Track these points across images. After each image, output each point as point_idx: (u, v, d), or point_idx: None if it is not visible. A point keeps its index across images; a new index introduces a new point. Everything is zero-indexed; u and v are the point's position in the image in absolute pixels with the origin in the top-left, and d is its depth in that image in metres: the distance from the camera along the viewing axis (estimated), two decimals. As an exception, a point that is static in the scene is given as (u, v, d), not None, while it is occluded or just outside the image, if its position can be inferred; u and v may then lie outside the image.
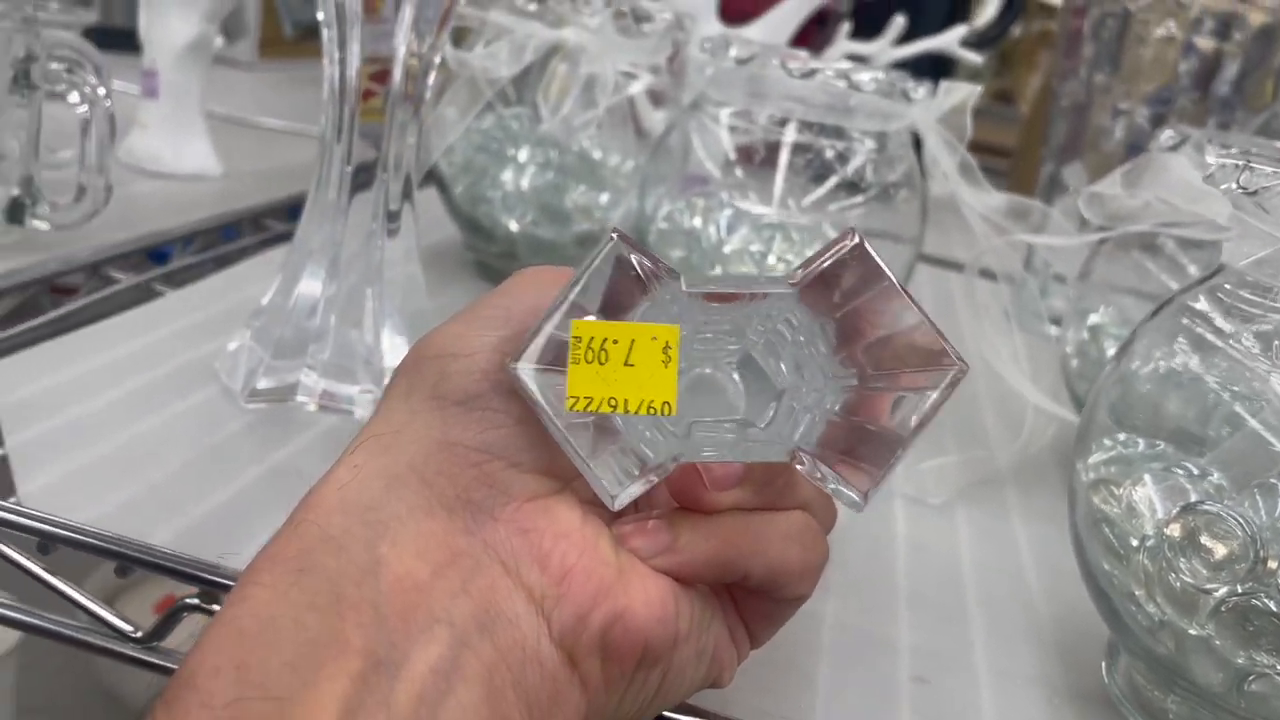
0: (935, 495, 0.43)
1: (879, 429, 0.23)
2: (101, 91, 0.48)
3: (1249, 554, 0.25)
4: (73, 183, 0.50)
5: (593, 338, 0.21)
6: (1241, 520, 0.25)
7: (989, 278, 0.50)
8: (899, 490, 0.43)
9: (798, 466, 0.23)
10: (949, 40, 0.70)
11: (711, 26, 0.66)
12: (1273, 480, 0.27)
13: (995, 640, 0.34)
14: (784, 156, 0.48)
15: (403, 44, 0.38)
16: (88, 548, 0.30)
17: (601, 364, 0.21)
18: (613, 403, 0.21)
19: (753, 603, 0.25)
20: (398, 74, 0.38)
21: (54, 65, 0.48)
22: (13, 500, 0.31)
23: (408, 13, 0.37)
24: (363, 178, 0.40)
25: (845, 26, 0.69)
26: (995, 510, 0.43)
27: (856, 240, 0.22)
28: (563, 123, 0.52)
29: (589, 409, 0.21)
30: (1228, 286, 0.28)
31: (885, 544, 0.39)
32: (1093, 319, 0.49)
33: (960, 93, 0.49)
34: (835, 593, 0.35)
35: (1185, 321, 0.29)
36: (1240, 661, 0.26)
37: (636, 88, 0.56)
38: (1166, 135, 0.44)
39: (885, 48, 0.69)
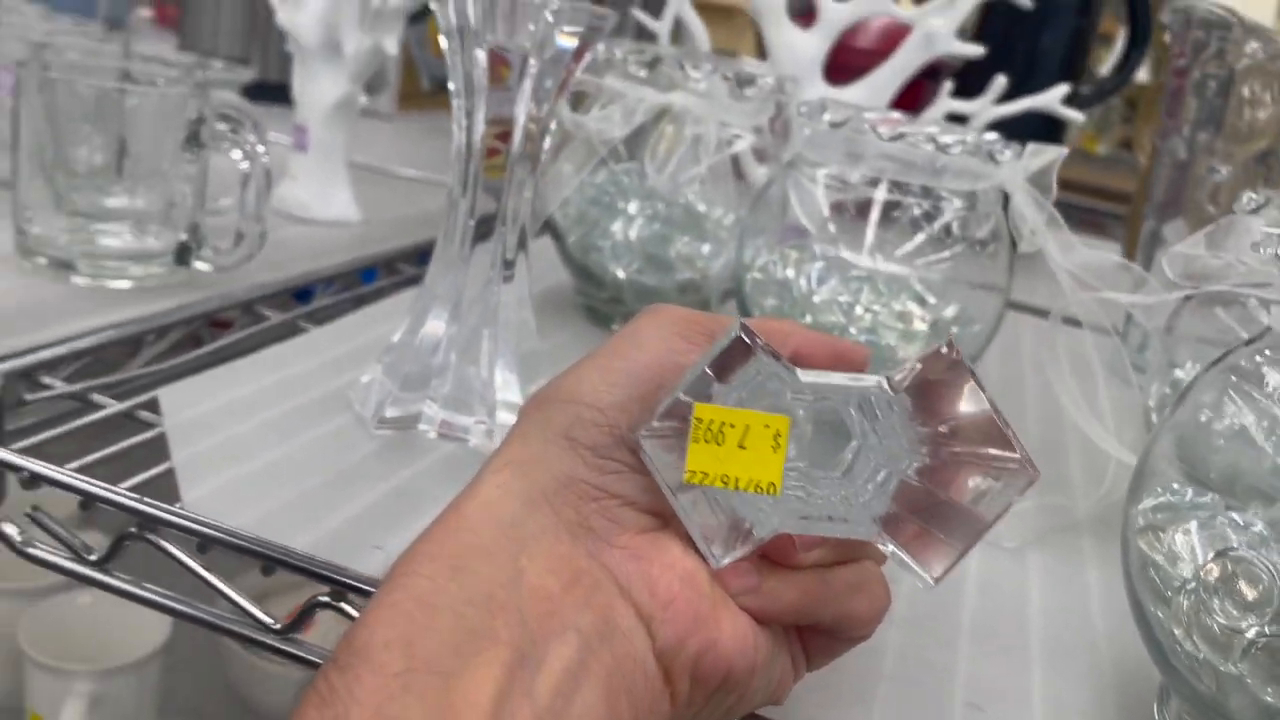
0: (1010, 539, 0.45)
1: (956, 507, 0.25)
2: (260, 149, 0.54)
3: (1273, 598, 0.27)
4: (232, 228, 0.56)
5: (712, 421, 0.24)
6: (1269, 566, 0.27)
7: (1076, 325, 0.51)
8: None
9: (878, 543, 0.25)
10: (1051, 99, 0.71)
11: (816, 87, 0.70)
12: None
13: (1053, 676, 0.36)
14: (875, 213, 0.51)
15: (523, 111, 0.42)
16: (239, 549, 0.35)
17: (718, 444, 0.24)
18: (725, 480, 0.24)
19: (817, 639, 0.28)
20: (517, 137, 0.43)
21: (220, 125, 0.55)
22: (178, 505, 0.36)
23: (528, 85, 0.42)
24: (483, 229, 0.44)
25: (947, 85, 0.71)
26: (1069, 557, 0.45)
27: (955, 352, 0.25)
28: (669, 179, 0.56)
29: (702, 483, 0.25)
30: (1267, 351, 0.30)
31: (954, 583, 0.41)
32: (1176, 373, 0.50)
33: (1048, 154, 0.51)
34: (899, 625, 0.37)
35: (1234, 379, 0.31)
36: (1270, 699, 0.27)
37: (740, 146, 0.60)
38: (1249, 198, 0.46)
39: (986, 106, 0.71)
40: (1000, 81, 0.70)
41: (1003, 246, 0.53)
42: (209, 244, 0.57)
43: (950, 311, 0.51)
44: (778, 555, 0.26)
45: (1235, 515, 0.30)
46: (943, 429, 0.25)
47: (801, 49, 0.70)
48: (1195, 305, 0.50)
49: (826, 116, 0.48)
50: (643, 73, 0.55)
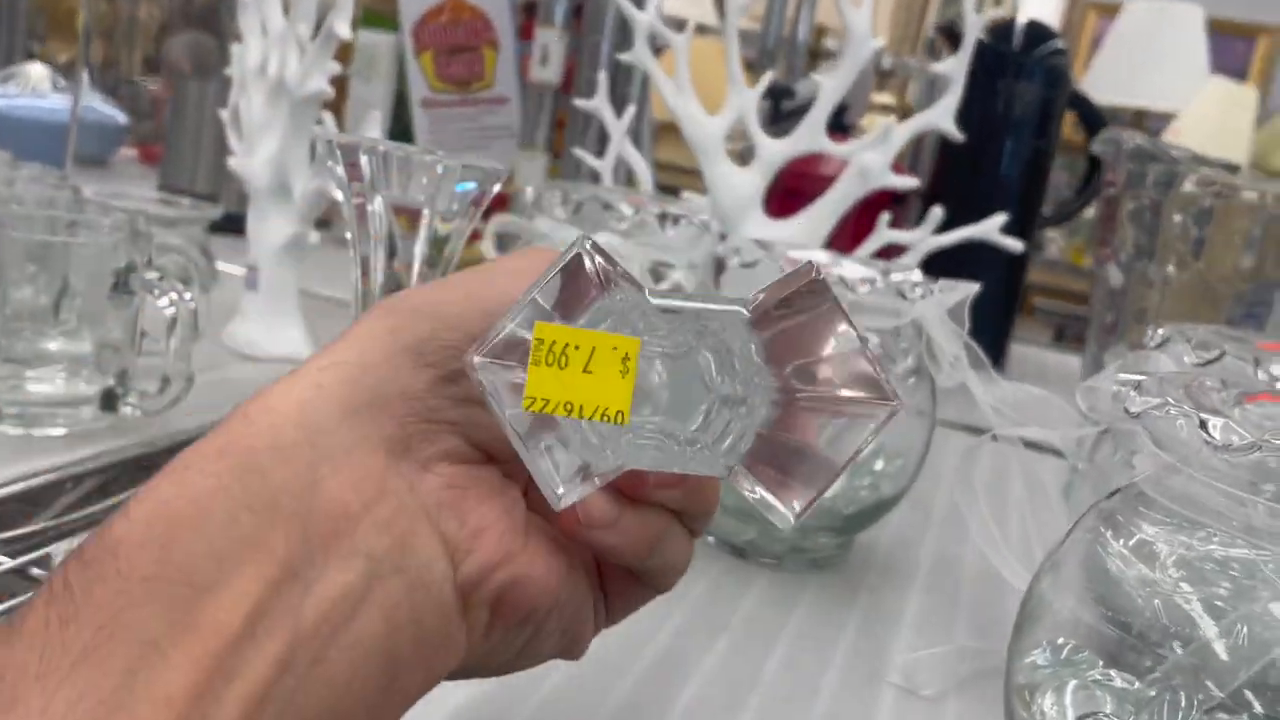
0: (929, 686, 0.43)
1: (810, 452, 0.24)
2: (187, 296, 0.55)
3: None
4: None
5: (554, 342, 0.22)
6: (1131, 733, 0.26)
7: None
8: (888, 678, 0.43)
9: (734, 482, 0.24)
10: (989, 228, 0.72)
11: (755, 222, 0.71)
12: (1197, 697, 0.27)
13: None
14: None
15: (418, 258, 0.43)
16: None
17: (561, 368, 0.22)
18: (568, 407, 0.22)
19: (625, 588, 0.28)
20: (414, 283, 0.43)
21: (150, 274, 0.55)
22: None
23: (423, 233, 0.42)
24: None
25: (885, 216, 0.72)
26: (991, 705, 0.43)
27: (817, 273, 0.23)
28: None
29: (544, 410, 0.22)
30: (1136, 505, 0.29)
31: (864, 736, 0.40)
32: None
33: (961, 291, 0.52)
34: (798, 785, 0.36)
35: (1104, 530, 0.30)
36: None
37: (675, 279, 0.60)
38: (1155, 332, 0.46)
39: (925, 236, 0.71)
40: (936, 212, 0.71)
41: (925, 378, 0.52)
42: (136, 389, 0.57)
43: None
44: (628, 489, 0.25)
45: (1114, 674, 0.29)
46: (805, 363, 0.23)
47: (740, 186, 0.71)
48: (1123, 438, 0.50)
49: (735, 260, 0.49)
50: (565, 214, 0.56)
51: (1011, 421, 0.51)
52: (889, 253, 0.73)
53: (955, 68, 0.70)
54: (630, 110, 0.73)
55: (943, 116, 0.71)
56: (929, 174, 1.17)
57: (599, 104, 0.73)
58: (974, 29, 0.69)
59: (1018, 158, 1.14)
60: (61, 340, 0.59)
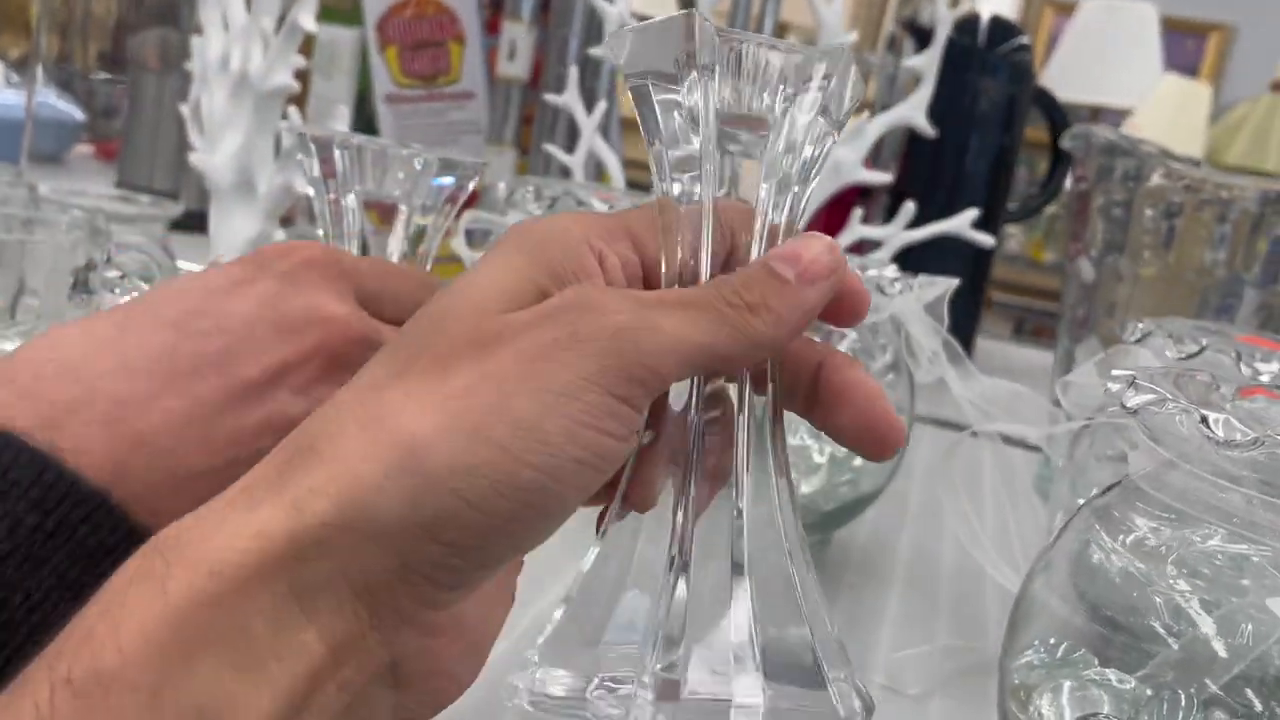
0: (914, 685, 0.43)
1: None
2: (146, 287, 0.54)
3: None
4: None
5: None
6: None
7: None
8: (873, 678, 0.43)
9: None
10: (960, 223, 0.72)
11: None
12: (1187, 692, 0.27)
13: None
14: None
15: (396, 254, 0.42)
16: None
17: None
18: None
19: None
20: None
21: (110, 273, 0.54)
22: None
23: (400, 229, 0.41)
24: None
25: (857, 212, 0.72)
26: (977, 703, 0.43)
27: None
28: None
29: None
30: (1132, 499, 0.29)
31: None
32: (1080, 502, 0.49)
33: (940, 286, 0.51)
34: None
35: (1098, 526, 0.30)
36: None
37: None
38: (1135, 326, 0.46)
39: (897, 231, 0.71)
40: (909, 207, 0.71)
41: (903, 375, 0.52)
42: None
43: (849, 445, 0.50)
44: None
45: (1110, 673, 0.29)
46: None
47: (712, 180, 0.70)
48: (1092, 434, 0.50)
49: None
50: (539, 209, 0.55)
51: (989, 417, 0.51)
52: (861, 248, 0.73)
53: (927, 63, 0.70)
54: (601, 106, 0.73)
55: (915, 111, 0.71)
56: (896, 169, 1.17)
57: (570, 99, 0.72)
58: (945, 24, 0.69)
59: (983, 153, 1.14)
60: (18, 341, 0.57)
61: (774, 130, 0.24)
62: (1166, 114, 2.80)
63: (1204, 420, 0.25)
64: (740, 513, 0.24)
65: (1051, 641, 0.30)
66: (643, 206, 0.26)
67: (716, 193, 0.24)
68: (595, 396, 0.21)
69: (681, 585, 0.23)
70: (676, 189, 0.24)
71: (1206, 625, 0.27)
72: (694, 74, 0.23)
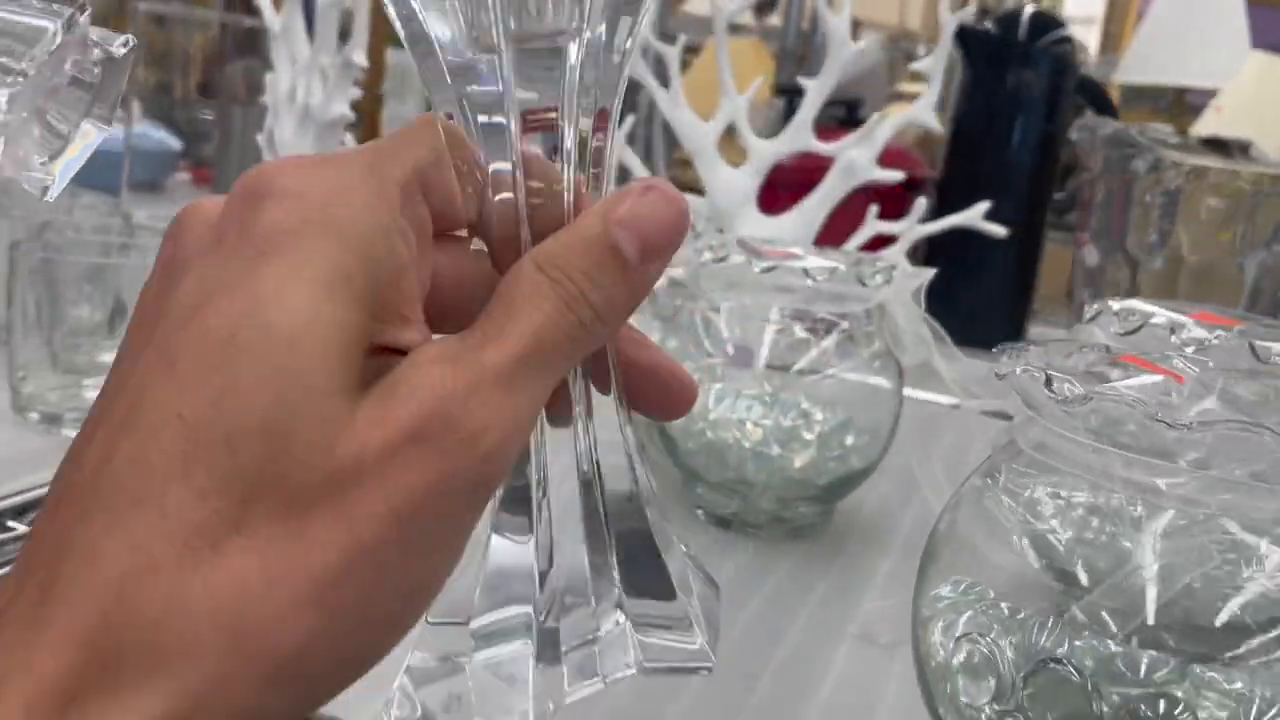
0: (884, 635, 0.47)
1: None
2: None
3: (1002, 676, 0.30)
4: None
5: None
6: (997, 650, 0.30)
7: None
8: (848, 629, 0.48)
9: None
10: (973, 215, 0.76)
11: (750, 219, 0.75)
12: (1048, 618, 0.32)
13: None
14: (766, 337, 0.56)
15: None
16: None
17: None
18: None
19: None
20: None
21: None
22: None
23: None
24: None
25: (873, 209, 0.76)
26: (943, 650, 0.48)
27: None
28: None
29: None
30: (1015, 464, 0.34)
31: (814, 672, 0.44)
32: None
33: (924, 275, 0.56)
34: (747, 713, 0.40)
35: (988, 483, 0.35)
36: (1010, 771, 0.30)
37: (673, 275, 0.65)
38: (1091, 307, 0.50)
39: (911, 225, 0.75)
40: (921, 203, 0.75)
41: (890, 359, 0.57)
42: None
43: (835, 422, 0.55)
44: None
45: (1004, 605, 0.34)
46: None
47: (734, 185, 0.76)
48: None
49: (705, 255, 0.53)
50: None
51: (970, 394, 0.55)
52: (880, 243, 0.77)
53: (933, 64, 0.74)
54: (630, 119, 0.78)
55: (923, 111, 0.75)
56: (941, 164, 1.21)
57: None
58: (949, 26, 0.73)
59: (1026, 145, 1.17)
60: (116, 353, 0.66)
61: (573, 39, 0.21)
62: (1254, 93, 2.73)
63: (1047, 381, 0.30)
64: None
65: (956, 579, 0.35)
66: (423, 134, 0.21)
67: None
68: (467, 531, 0.20)
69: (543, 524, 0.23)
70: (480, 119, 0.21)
71: (1072, 561, 0.32)
72: None
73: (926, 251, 1.16)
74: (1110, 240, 0.70)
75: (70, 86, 0.23)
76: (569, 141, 0.22)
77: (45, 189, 0.23)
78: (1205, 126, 1.83)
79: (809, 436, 0.54)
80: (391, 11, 0.21)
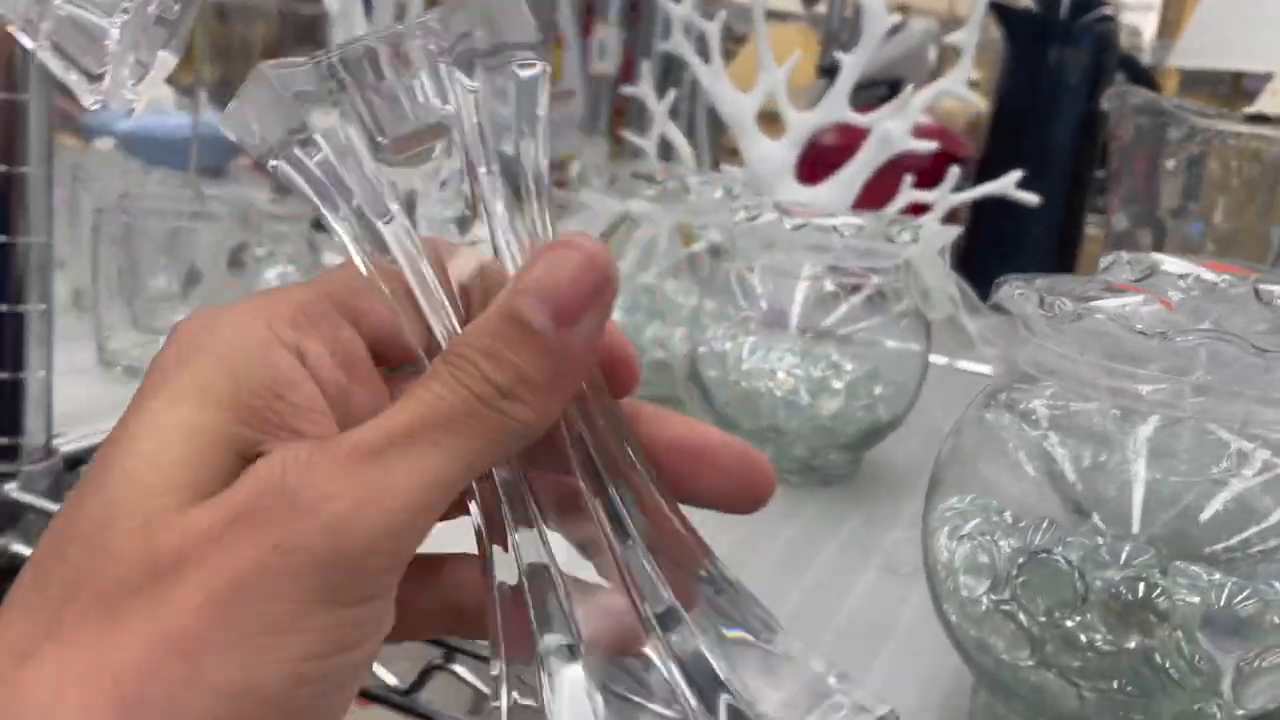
0: (905, 565, 0.50)
1: None
2: (290, 269, 0.66)
3: (998, 569, 0.33)
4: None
5: None
6: (991, 546, 0.33)
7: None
8: (871, 561, 0.51)
9: None
10: (1005, 184, 0.78)
11: (789, 189, 0.78)
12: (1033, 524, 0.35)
13: (894, 665, 0.42)
14: (799, 292, 0.59)
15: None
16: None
17: None
18: None
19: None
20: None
21: (259, 250, 0.66)
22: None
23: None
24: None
25: (908, 178, 0.78)
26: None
27: None
28: (625, 276, 0.65)
29: None
30: (1010, 375, 0.37)
31: (833, 596, 0.47)
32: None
33: (949, 233, 0.59)
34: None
35: (990, 404, 0.37)
36: (1005, 657, 0.33)
37: (699, 245, 0.68)
38: (1109, 257, 0.52)
39: (944, 194, 0.78)
40: (954, 171, 0.77)
41: (918, 315, 0.59)
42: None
43: (864, 372, 0.58)
44: None
45: (1006, 515, 0.36)
46: None
47: (772, 156, 0.79)
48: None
49: (741, 213, 0.56)
50: (602, 185, 0.65)
51: (992, 344, 0.58)
52: (915, 212, 0.79)
53: (966, 38, 0.76)
54: (671, 93, 0.82)
55: (956, 84, 0.77)
56: (983, 142, 1.22)
57: (643, 89, 0.81)
58: (981, 3, 0.76)
59: (1067, 124, 1.18)
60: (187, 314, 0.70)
61: (454, 126, 0.20)
62: (1312, 76, 2.70)
63: (1040, 300, 0.33)
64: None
65: (960, 494, 0.38)
66: (348, 265, 0.21)
67: (412, 232, 0.20)
68: (322, 618, 0.17)
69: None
70: (387, 236, 0.20)
71: (1064, 467, 0.34)
72: (324, 116, 0.19)
73: (967, 234, 1.18)
74: (1140, 208, 0.72)
75: (155, 24, 0.27)
76: (498, 208, 0.21)
77: (133, 109, 0.27)
78: (1261, 109, 1.81)
79: (838, 386, 0.57)
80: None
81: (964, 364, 0.81)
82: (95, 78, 0.23)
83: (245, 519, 0.17)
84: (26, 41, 0.22)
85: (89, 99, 0.23)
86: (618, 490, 0.21)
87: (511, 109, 0.20)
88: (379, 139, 0.20)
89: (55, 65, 0.23)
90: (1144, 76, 1.21)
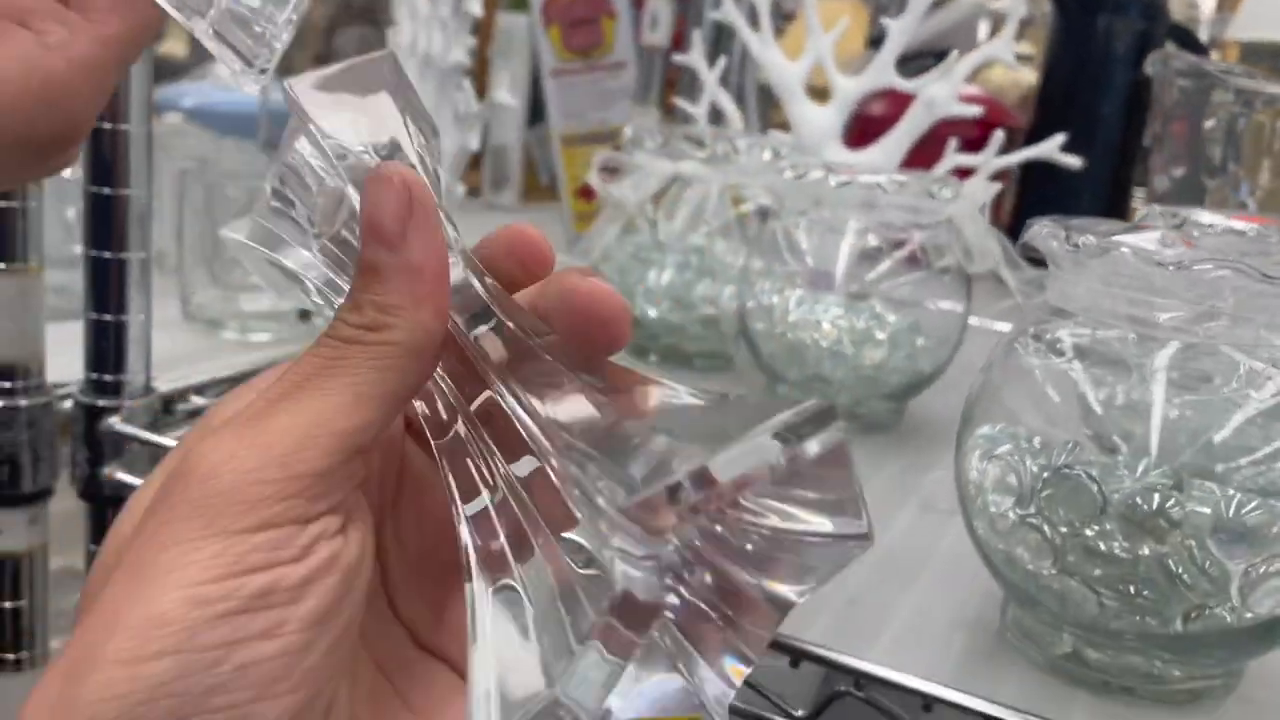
0: (944, 503, 0.53)
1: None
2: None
3: (1024, 485, 0.36)
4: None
5: None
6: (1018, 464, 0.36)
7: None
8: (912, 500, 0.53)
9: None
10: (1049, 148, 0.79)
11: (835, 154, 0.80)
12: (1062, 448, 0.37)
13: (929, 589, 0.44)
14: (844, 248, 0.62)
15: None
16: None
17: None
18: None
19: None
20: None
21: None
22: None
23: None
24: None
25: (952, 142, 0.80)
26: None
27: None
28: (676, 235, 0.68)
29: None
30: (1040, 311, 0.39)
31: (878, 532, 0.50)
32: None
33: (990, 189, 0.61)
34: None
35: (1022, 338, 0.40)
36: (1030, 567, 0.36)
37: (747, 206, 0.71)
38: (1145, 210, 0.54)
39: (989, 158, 0.79)
40: (999, 135, 0.79)
41: (958, 270, 0.62)
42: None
43: (905, 324, 0.60)
44: None
45: (1037, 440, 0.39)
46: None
47: (819, 122, 0.81)
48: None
49: (787, 173, 0.59)
50: (654, 147, 0.68)
51: (1030, 295, 0.60)
52: (960, 176, 0.81)
53: (1012, 4, 0.78)
54: (721, 61, 0.84)
55: (1001, 49, 0.79)
56: (1031, 111, 1.23)
57: (694, 58, 0.84)
58: (1027, -33, 0.77)
59: (1116, 92, 1.19)
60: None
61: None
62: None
63: (1066, 236, 0.35)
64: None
65: (992, 421, 0.40)
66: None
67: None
68: (213, 547, 0.19)
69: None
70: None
71: (1089, 392, 0.37)
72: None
73: (1014, 206, 1.19)
74: (1183, 169, 0.73)
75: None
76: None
77: (266, 69, 0.31)
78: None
79: (881, 337, 0.60)
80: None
81: (1003, 326, 0.83)
82: (254, 65, 0.27)
83: (153, 506, 0.20)
84: (197, 31, 0.26)
85: (251, 86, 0.27)
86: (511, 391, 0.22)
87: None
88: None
89: (222, 55, 0.27)
90: (1193, 44, 1.21)
